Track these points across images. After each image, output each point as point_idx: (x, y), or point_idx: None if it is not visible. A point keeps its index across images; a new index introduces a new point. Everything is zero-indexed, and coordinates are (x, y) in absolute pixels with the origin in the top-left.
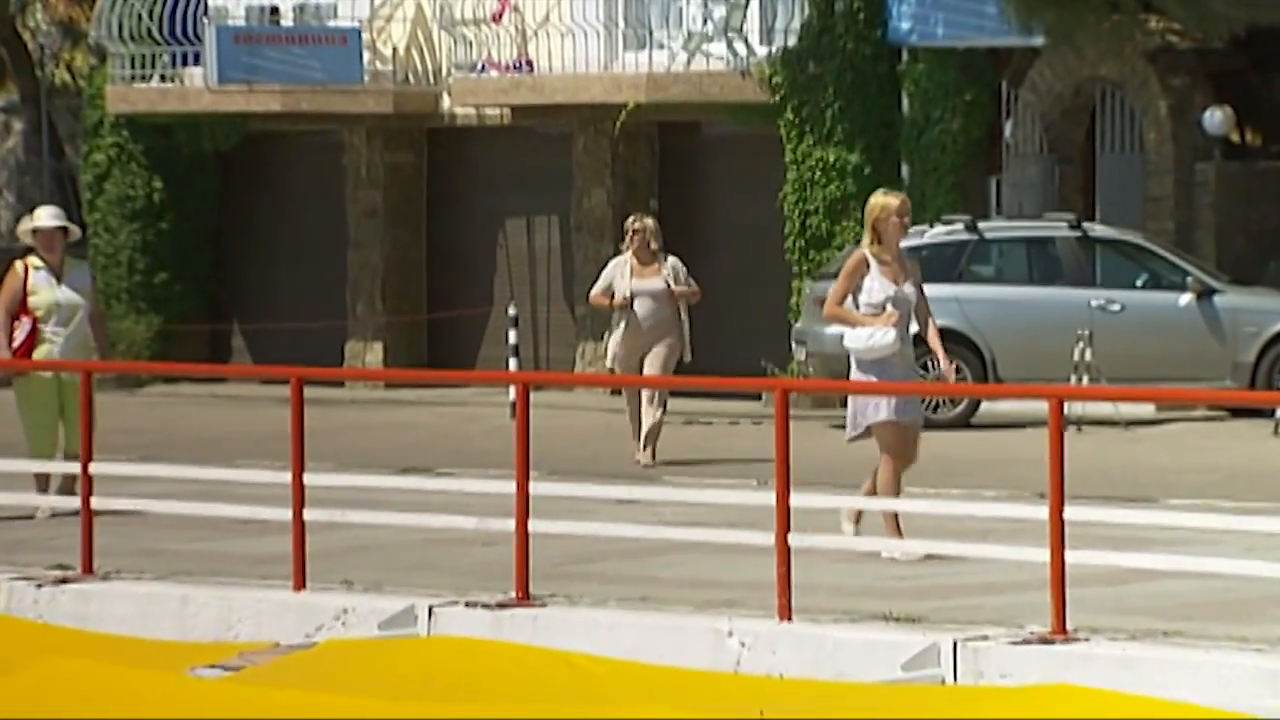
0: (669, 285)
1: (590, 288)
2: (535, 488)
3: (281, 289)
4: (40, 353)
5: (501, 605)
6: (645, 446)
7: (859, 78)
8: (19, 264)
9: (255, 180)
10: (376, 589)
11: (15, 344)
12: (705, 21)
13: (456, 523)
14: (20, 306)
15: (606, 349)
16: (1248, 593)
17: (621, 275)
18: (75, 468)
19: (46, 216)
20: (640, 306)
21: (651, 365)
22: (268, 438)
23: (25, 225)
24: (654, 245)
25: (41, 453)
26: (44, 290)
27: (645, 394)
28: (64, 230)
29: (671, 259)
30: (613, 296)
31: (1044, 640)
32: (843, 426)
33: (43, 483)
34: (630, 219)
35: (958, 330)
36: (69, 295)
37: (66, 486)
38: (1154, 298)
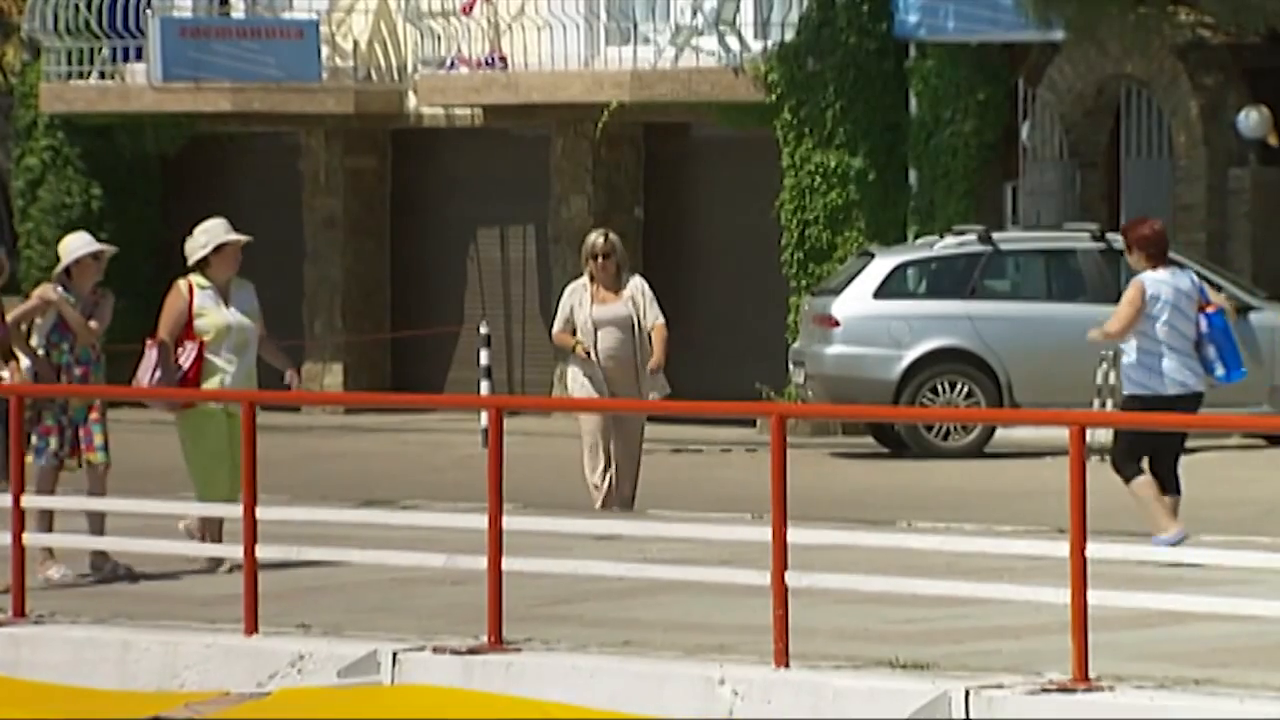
0: (634, 315)
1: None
2: (509, 522)
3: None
4: (212, 384)
5: (472, 651)
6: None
7: (862, 75)
8: (182, 283)
9: (203, 187)
10: (336, 633)
11: (181, 372)
12: (695, 14)
13: (423, 561)
14: (184, 330)
15: (568, 387)
16: None
17: (580, 304)
18: (232, 511)
19: (224, 230)
20: (604, 339)
21: (625, 441)
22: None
23: (201, 241)
24: (623, 269)
25: (217, 495)
26: (212, 311)
27: (618, 452)
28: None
29: (635, 279)
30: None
31: (1064, 689)
32: (845, 455)
33: (215, 530)
34: (595, 238)
35: (970, 350)
36: (240, 318)
37: (214, 534)
38: None
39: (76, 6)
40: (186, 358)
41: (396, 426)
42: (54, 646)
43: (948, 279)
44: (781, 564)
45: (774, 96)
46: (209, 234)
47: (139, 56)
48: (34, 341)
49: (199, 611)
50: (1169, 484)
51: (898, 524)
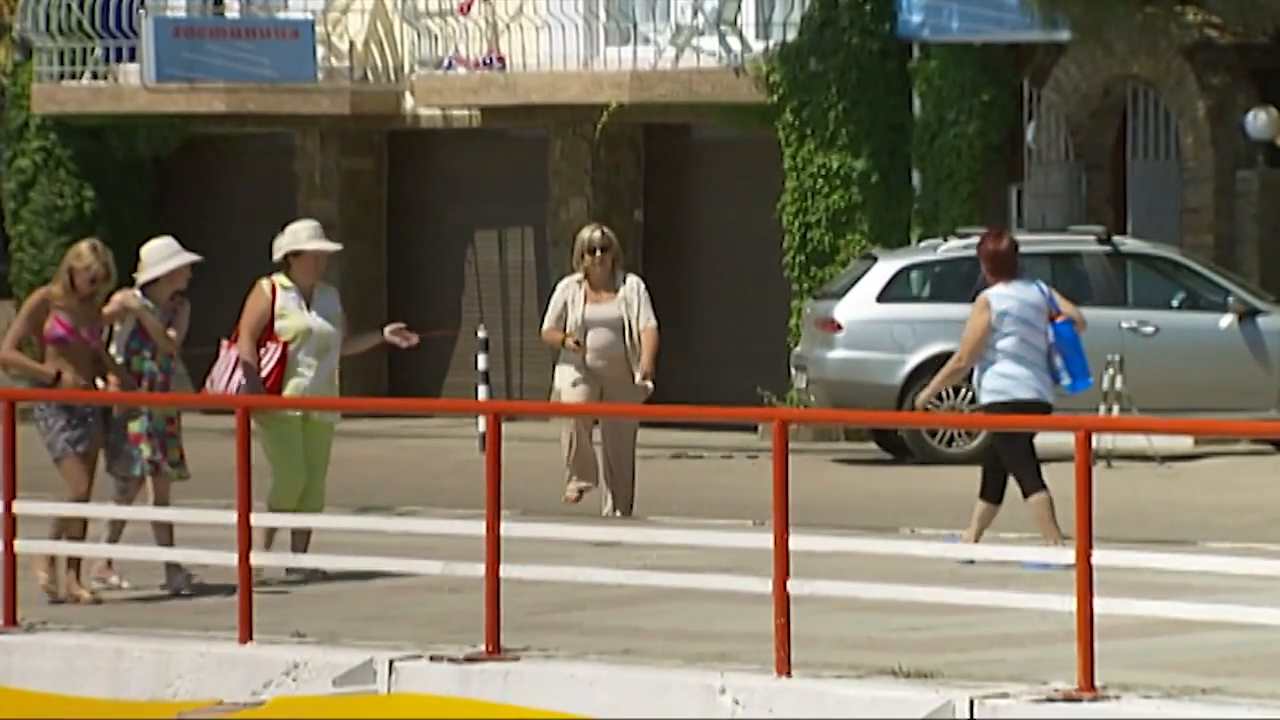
0: (626, 316)
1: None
2: (507, 529)
3: (226, 309)
4: (290, 387)
5: (470, 659)
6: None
7: (865, 76)
8: (265, 283)
9: (197, 189)
10: (331, 641)
11: (262, 373)
12: (695, 14)
13: (420, 568)
14: (266, 331)
15: (553, 390)
16: None
17: (573, 302)
18: (312, 521)
19: (312, 236)
20: (595, 339)
21: (616, 443)
22: (210, 473)
23: (285, 245)
24: (618, 266)
25: (287, 501)
26: (294, 314)
27: (611, 455)
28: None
29: (631, 279)
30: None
31: (1070, 698)
32: (848, 461)
33: (269, 538)
34: (591, 233)
35: None
36: (321, 323)
37: (300, 544)
38: (1191, 319)
39: (69, 6)
40: (269, 360)
41: (393, 432)
42: (46, 654)
43: (952, 282)
44: (783, 571)
45: (775, 97)
46: (292, 237)
47: (132, 57)
48: (112, 349)
49: (192, 619)
50: (999, 492)
51: (901, 531)
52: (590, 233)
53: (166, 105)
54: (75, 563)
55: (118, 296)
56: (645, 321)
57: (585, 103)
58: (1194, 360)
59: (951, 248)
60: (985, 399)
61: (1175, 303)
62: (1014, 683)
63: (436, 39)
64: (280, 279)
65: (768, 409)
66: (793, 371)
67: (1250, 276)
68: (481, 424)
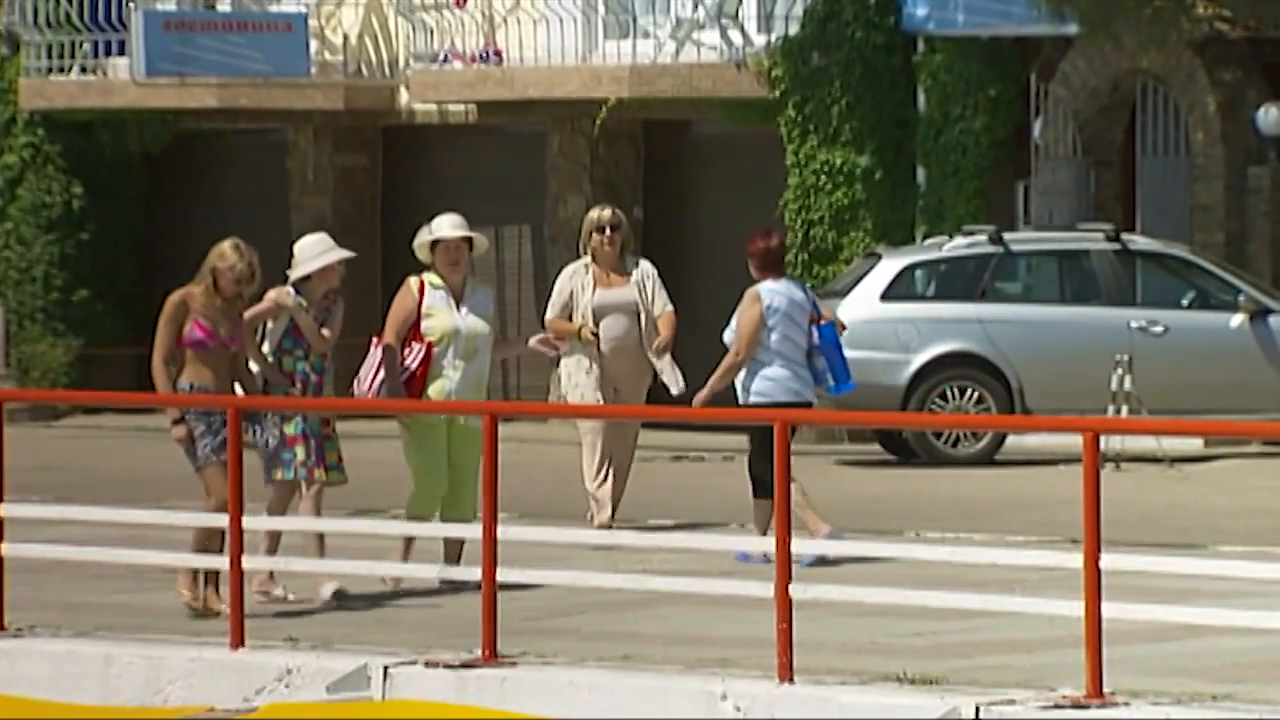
0: (639, 302)
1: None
2: (504, 532)
3: None
4: (435, 389)
5: (466, 665)
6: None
7: (869, 70)
8: (413, 280)
9: (188, 185)
10: (324, 647)
11: (405, 375)
12: (696, 7)
13: (415, 572)
14: (412, 330)
15: (560, 383)
16: None
17: (583, 287)
18: (469, 532)
19: (449, 226)
20: (608, 327)
21: (621, 439)
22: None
23: (424, 237)
24: (628, 250)
25: (425, 509)
26: (442, 314)
27: (614, 450)
28: (469, 241)
29: (644, 263)
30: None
31: (1078, 705)
32: (851, 463)
33: (407, 548)
34: (600, 211)
35: (980, 354)
36: (472, 323)
37: (453, 555)
38: (1202, 318)
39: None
40: (413, 360)
41: (389, 433)
42: (34, 660)
43: (957, 281)
44: (785, 575)
45: (778, 92)
46: (433, 229)
47: (121, 51)
48: (265, 348)
49: (183, 624)
50: (770, 488)
51: (905, 534)
52: (600, 211)
53: (157, 100)
54: (213, 576)
55: (271, 294)
56: (663, 306)
57: (584, 98)
58: (1204, 360)
59: (957, 246)
60: (749, 400)
61: (1185, 302)
62: (1021, 689)
63: (432, 33)
64: (430, 276)
65: (770, 410)
66: None
67: (1262, 275)
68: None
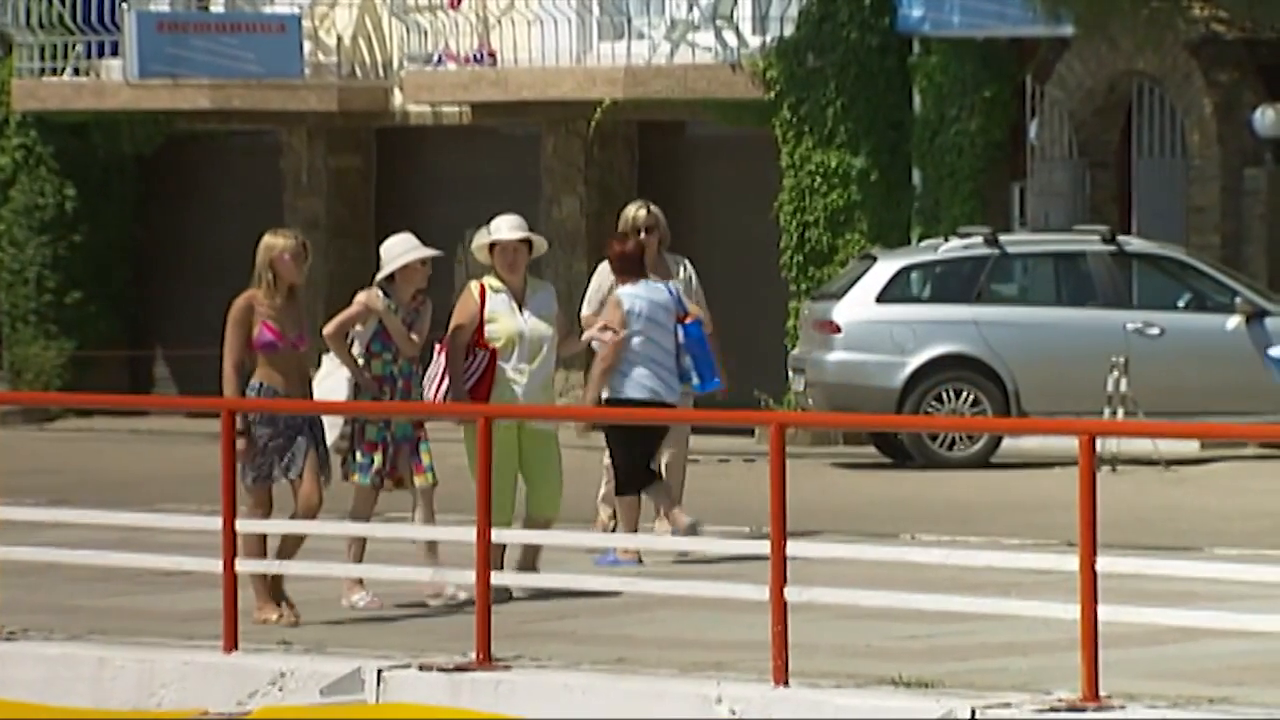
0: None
1: (580, 308)
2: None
3: (210, 310)
4: (500, 396)
5: (460, 668)
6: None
7: (864, 71)
8: (474, 285)
9: (181, 187)
10: (318, 650)
11: (470, 382)
12: (691, 8)
13: (410, 575)
14: (475, 336)
15: (588, 394)
16: None
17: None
18: (537, 538)
19: (507, 227)
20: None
21: (676, 444)
22: (195, 478)
23: (481, 240)
24: (663, 249)
25: (497, 518)
26: (505, 317)
27: (669, 456)
28: (528, 243)
29: (686, 264)
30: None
31: (1074, 708)
32: (847, 465)
33: (497, 556)
34: (636, 210)
35: (976, 357)
36: (535, 325)
37: (528, 561)
38: (1198, 320)
39: (49, 0)
40: (477, 366)
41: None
42: (27, 663)
43: (953, 283)
44: (780, 578)
45: (773, 94)
46: (490, 230)
47: (114, 52)
48: (354, 351)
49: (177, 628)
50: (631, 485)
51: (901, 537)
52: (636, 210)
53: (150, 102)
54: (278, 582)
55: (360, 297)
56: (697, 307)
57: (578, 99)
58: (1200, 362)
59: (952, 247)
60: (603, 394)
61: (1181, 303)
62: (1016, 692)
63: (426, 34)
64: (490, 280)
65: (765, 412)
66: (790, 374)
67: (1258, 277)
68: None
